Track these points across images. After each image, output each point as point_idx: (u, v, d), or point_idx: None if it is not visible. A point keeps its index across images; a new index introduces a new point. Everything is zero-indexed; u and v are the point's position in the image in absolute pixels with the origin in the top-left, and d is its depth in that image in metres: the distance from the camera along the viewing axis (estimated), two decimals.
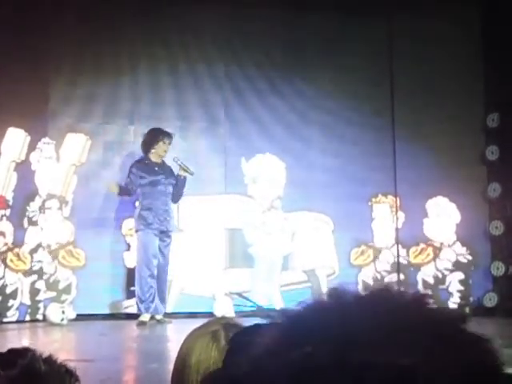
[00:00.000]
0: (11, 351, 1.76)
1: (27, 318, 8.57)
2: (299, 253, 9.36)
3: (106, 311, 8.79)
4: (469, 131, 9.35)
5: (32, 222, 8.67)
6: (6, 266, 8.50)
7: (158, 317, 8.32)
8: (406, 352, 0.66)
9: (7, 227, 8.52)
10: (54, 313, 8.42)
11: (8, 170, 8.54)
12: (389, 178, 9.35)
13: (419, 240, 9.46)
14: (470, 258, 9.44)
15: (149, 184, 8.36)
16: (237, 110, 9.34)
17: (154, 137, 8.45)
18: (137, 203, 8.47)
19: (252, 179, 9.35)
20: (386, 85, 9.37)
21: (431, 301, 0.73)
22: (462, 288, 9.35)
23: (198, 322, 2.14)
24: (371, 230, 9.45)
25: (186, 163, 8.53)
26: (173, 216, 8.55)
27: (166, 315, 8.46)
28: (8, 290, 8.51)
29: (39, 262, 8.69)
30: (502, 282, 9.19)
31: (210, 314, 7.93)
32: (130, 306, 8.69)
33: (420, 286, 9.22)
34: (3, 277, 8.49)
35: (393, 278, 9.30)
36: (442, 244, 9.49)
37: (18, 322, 8.44)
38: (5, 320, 8.39)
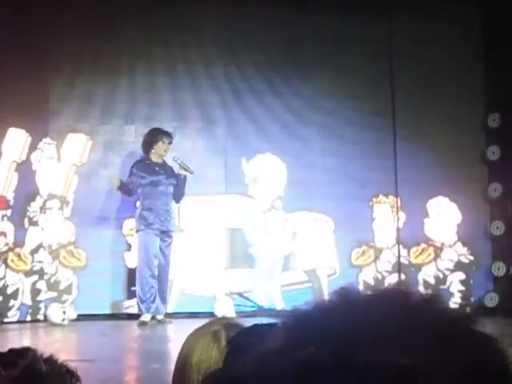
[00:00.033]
0: (12, 351, 1.76)
1: (28, 318, 8.57)
2: (300, 253, 9.36)
3: (107, 311, 8.79)
4: (469, 131, 9.35)
5: (33, 222, 8.67)
6: (6, 266, 8.51)
7: (159, 317, 8.32)
8: (406, 352, 0.66)
9: (8, 227, 8.52)
10: (54, 313, 8.42)
11: (9, 170, 8.54)
12: (389, 178, 9.35)
13: (420, 240, 9.46)
14: (470, 258, 9.43)
15: (149, 184, 8.36)
16: (236, 110, 9.34)
17: (154, 137, 8.45)
18: (137, 203, 8.47)
19: (253, 179, 9.35)
20: (386, 85, 9.37)
21: (442, 301, 0.74)
22: (462, 288, 9.34)
23: (198, 322, 2.14)
24: (372, 230, 9.45)
25: (186, 163, 8.53)
26: (173, 216, 8.55)
27: (167, 315, 8.46)
28: (9, 291, 8.51)
29: (40, 262, 8.70)
30: (502, 282, 9.19)
31: (211, 314, 7.93)
32: (131, 306, 8.70)
33: (421, 287, 9.22)
34: (4, 277, 8.49)
35: (394, 278, 9.30)
36: (442, 244, 9.49)
37: (18, 322, 8.45)
38: (6, 320, 8.40)
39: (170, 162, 8.56)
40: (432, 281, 9.39)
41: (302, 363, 0.68)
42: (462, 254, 9.45)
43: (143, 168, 8.41)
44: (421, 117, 9.30)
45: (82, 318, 8.50)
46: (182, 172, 8.50)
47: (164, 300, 8.42)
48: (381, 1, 9.34)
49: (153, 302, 8.25)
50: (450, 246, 9.48)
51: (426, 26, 9.30)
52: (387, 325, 0.68)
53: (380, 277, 9.37)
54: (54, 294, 8.71)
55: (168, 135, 8.45)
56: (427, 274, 9.41)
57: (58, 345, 6.95)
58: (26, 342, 6.85)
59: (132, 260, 8.70)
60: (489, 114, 9.31)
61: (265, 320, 1.60)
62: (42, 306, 8.64)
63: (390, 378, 0.66)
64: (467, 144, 9.30)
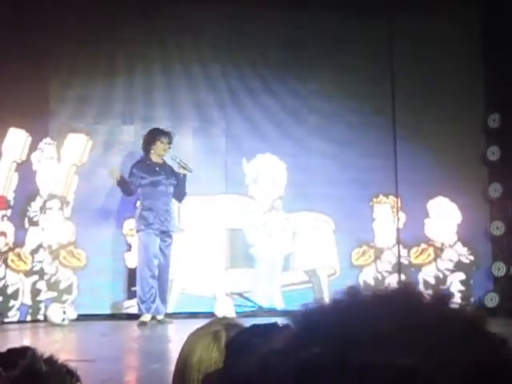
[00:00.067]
0: (11, 351, 1.76)
1: (28, 318, 8.57)
2: (300, 253, 9.36)
3: (107, 311, 8.80)
4: (469, 131, 9.35)
5: (33, 223, 8.67)
6: (7, 266, 8.51)
7: (159, 317, 8.32)
8: (406, 352, 0.67)
9: (8, 227, 8.52)
10: (55, 313, 8.42)
11: (9, 170, 8.54)
12: (390, 179, 9.35)
13: (420, 240, 9.46)
14: (471, 258, 9.43)
15: (149, 184, 8.36)
16: (236, 110, 9.34)
17: (152, 137, 8.45)
18: (138, 203, 8.47)
19: (253, 180, 9.35)
20: (386, 85, 9.37)
21: (449, 301, 0.74)
22: (463, 288, 9.34)
23: (198, 323, 2.14)
24: (372, 230, 9.45)
25: (186, 163, 8.53)
26: (173, 216, 8.55)
27: (167, 315, 8.46)
28: (9, 291, 8.51)
29: (40, 262, 8.70)
30: (503, 282, 9.19)
31: (211, 315, 7.93)
32: (131, 307, 8.70)
33: (421, 287, 9.22)
34: (4, 277, 8.49)
35: (394, 278, 9.30)
36: (442, 244, 9.49)
37: (19, 322, 8.45)
38: (6, 320, 8.40)
39: (169, 161, 8.56)
40: (432, 281, 9.39)
41: (305, 363, 0.68)
42: (462, 254, 9.45)
43: (143, 168, 8.40)
44: (421, 117, 9.30)
45: (82, 318, 8.50)
46: (182, 171, 8.50)
47: (164, 300, 8.42)
48: (381, 1, 9.34)
49: (153, 302, 8.24)
50: (450, 246, 9.48)
51: (426, 26, 9.30)
52: (388, 325, 0.68)
53: (380, 277, 9.37)
54: (54, 294, 8.71)
55: (166, 135, 8.45)
56: (427, 274, 9.41)
57: (58, 345, 6.95)
58: (26, 342, 6.84)
59: (132, 260, 8.70)
60: (489, 115, 9.31)
61: (265, 320, 1.60)
62: (42, 306, 8.65)
63: (389, 378, 0.66)
64: (467, 144, 9.30)
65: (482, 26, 9.40)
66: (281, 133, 9.39)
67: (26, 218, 8.63)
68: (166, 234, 8.37)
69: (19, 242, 8.58)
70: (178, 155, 8.60)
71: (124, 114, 9.09)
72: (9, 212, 8.53)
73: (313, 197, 9.30)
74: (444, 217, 9.45)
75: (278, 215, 9.35)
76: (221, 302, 8.84)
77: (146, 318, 8.22)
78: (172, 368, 2.06)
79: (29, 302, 8.60)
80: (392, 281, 9.13)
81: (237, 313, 8.54)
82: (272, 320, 1.62)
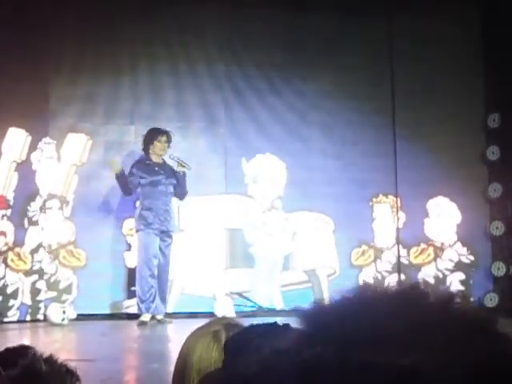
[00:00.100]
0: (9, 350, 1.76)
1: (28, 317, 8.57)
2: (300, 253, 9.36)
3: (107, 311, 8.79)
4: (469, 131, 9.35)
5: (33, 222, 8.67)
6: (6, 265, 8.51)
7: (159, 317, 8.32)
8: (407, 352, 0.67)
9: (8, 227, 8.52)
10: (54, 313, 8.42)
11: (9, 169, 8.54)
12: (389, 178, 9.35)
13: (420, 240, 9.46)
14: (470, 258, 9.44)
15: (149, 184, 8.36)
16: (237, 110, 9.34)
17: (150, 137, 8.46)
18: (137, 203, 8.47)
19: (252, 179, 9.35)
20: (386, 85, 9.38)
21: (458, 300, 0.73)
22: (462, 288, 9.34)
23: (198, 322, 2.14)
24: (372, 230, 9.45)
25: (183, 160, 8.53)
26: (173, 216, 8.55)
27: (167, 315, 8.46)
28: (9, 290, 8.51)
29: (40, 261, 8.70)
30: (502, 282, 9.19)
31: (211, 314, 7.93)
32: (131, 306, 8.69)
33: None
34: (4, 277, 8.49)
35: (393, 278, 9.30)
36: (442, 244, 9.49)
37: (18, 321, 8.45)
38: (5, 320, 8.40)
39: (168, 160, 8.56)
40: (432, 281, 9.39)
41: (305, 364, 0.68)
42: (462, 254, 9.45)
43: (143, 168, 8.40)
44: (421, 116, 9.30)
45: (81, 317, 8.50)
46: (180, 169, 8.49)
47: (164, 300, 8.42)
48: (381, 1, 9.34)
49: (152, 301, 8.24)
50: (450, 246, 9.48)
51: (426, 26, 9.30)
52: (389, 325, 0.68)
53: (380, 277, 9.37)
54: (53, 294, 8.71)
55: (164, 134, 8.44)
56: (427, 274, 9.40)
57: (57, 344, 6.95)
58: (25, 342, 6.82)
59: (132, 260, 8.70)
60: (489, 114, 9.31)
61: (264, 320, 1.60)
62: (41, 305, 8.64)
63: (389, 378, 0.66)
64: (467, 144, 9.30)
65: (482, 26, 9.40)
66: (281, 133, 9.38)
67: (26, 218, 8.63)
68: (165, 234, 8.37)
69: (19, 242, 8.57)
70: (181, 155, 8.59)
71: (128, 113, 9.09)
72: (8, 212, 8.53)
73: (312, 196, 9.30)
74: (444, 217, 9.45)
75: (278, 215, 9.35)
76: (220, 301, 8.84)
77: (146, 317, 8.22)
78: (172, 368, 2.06)
79: (28, 301, 8.60)
80: (392, 280, 9.13)
81: (236, 313, 8.54)
82: (272, 320, 1.62)
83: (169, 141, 8.47)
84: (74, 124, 8.92)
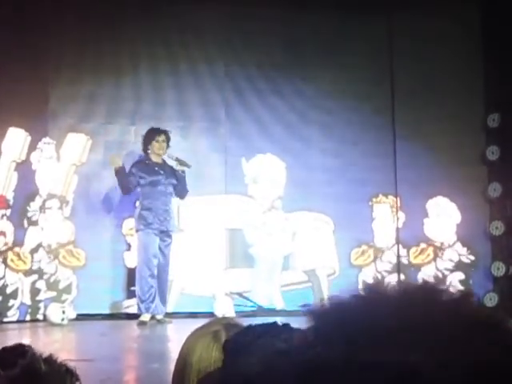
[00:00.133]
0: (5, 349, 1.76)
1: (27, 317, 8.57)
2: (300, 253, 9.36)
3: (107, 311, 8.79)
4: (469, 130, 9.34)
5: (32, 222, 8.67)
6: (6, 265, 8.51)
7: (159, 317, 8.32)
8: (407, 352, 0.66)
9: (8, 227, 8.52)
10: (54, 313, 8.42)
11: (8, 169, 8.54)
12: (389, 178, 9.35)
13: (420, 240, 9.46)
14: (470, 258, 9.43)
15: (149, 184, 8.36)
16: (237, 110, 9.34)
17: (148, 137, 8.47)
18: (137, 203, 8.47)
19: (252, 179, 9.35)
20: (386, 84, 9.38)
21: (470, 300, 0.73)
22: (462, 288, 9.33)
23: (198, 322, 2.14)
24: (372, 230, 9.45)
25: (186, 161, 8.53)
26: (173, 216, 8.55)
27: (167, 315, 8.46)
28: (8, 290, 8.51)
29: (39, 261, 8.70)
30: (502, 282, 9.19)
31: (211, 314, 7.94)
32: (131, 306, 8.70)
33: None
34: (4, 277, 8.49)
35: (393, 278, 9.30)
36: (442, 244, 9.49)
37: (18, 321, 8.45)
38: (5, 320, 8.40)
39: (169, 161, 8.56)
40: (431, 281, 9.38)
41: (306, 364, 0.68)
42: (462, 254, 9.45)
43: (143, 168, 8.41)
44: (421, 116, 9.30)
45: (81, 317, 8.50)
46: (179, 167, 8.49)
47: (164, 300, 8.42)
48: (381, 0, 9.34)
49: (152, 301, 8.24)
50: (450, 246, 9.48)
51: (426, 25, 9.30)
52: (389, 324, 0.68)
53: (380, 277, 9.37)
54: (53, 294, 8.71)
55: (162, 133, 8.44)
56: (427, 274, 9.40)
57: (57, 344, 6.95)
58: (25, 342, 6.83)
59: (131, 260, 8.70)
60: (489, 114, 9.30)
61: (264, 320, 1.60)
62: (41, 305, 8.64)
63: (389, 378, 0.66)
64: (467, 144, 9.30)
65: (482, 25, 9.40)
66: (281, 132, 9.38)
67: (26, 218, 8.63)
68: (165, 234, 8.37)
69: (18, 242, 8.57)
70: (181, 155, 8.59)
71: (129, 113, 9.08)
72: (8, 211, 8.53)
73: (312, 196, 9.30)
74: (443, 216, 9.45)
75: (278, 215, 9.35)
76: (220, 301, 8.84)
77: (146, 317, 8.22)
78: (171, 368, 2.06)
79: (28, 301, 8.60)
80: (392, 280, 9.12)
81: (236, 312, 8.54)
82: (272, 320, 1.62)
83: (167, 140, 8.47)
84: (74, 124, 8.93)
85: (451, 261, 9.46)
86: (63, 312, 8.43)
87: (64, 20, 8.79)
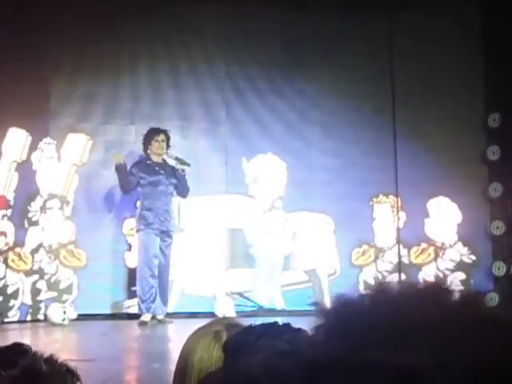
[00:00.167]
0: (4, 349, 1.76)
1: (28, 317, 8.57)
2: (300, 253, 9.36)
3: (108, 311, 8.79)
4: (469, 130, 9.34)
5: (33, 222, 8.67)
6: (7, 265, 8.51)
7: (159, 317, 8.32)
8: (407, 352, 0.67)
9: (8, 227, 8.52)
10: (55, 313, 8.42)
11: (9, 170, 8.54)
12: (390, 178, 9.35)
13: (420, 240, 9.46)
14: (471, 257, 9.43)
15: (149, 184, 8.36)
16: (237, 110, 9.34)
17: (148, 137, 8.48)
18: (138, 203, 8.47)
19: (253, 179, 9.35)
20: (386, 84, 9.38)
21: (481, 302, 0.73)
22: (463, 288, 9.32)
23: (199, 322, 2.14)
24: (372, 229, 9.45)
25: (186, 160, 8.53)
26: (173, 216, 8.56)
27: (167, 315, 8.46)
28: (9, 290, 8.51)
29: (40, 261, 8.70)
30: (503, 281, 9.19)
31: (211, 314, 7.94)
32: (131, 306, 8.70)
33: None
34: (4, 277, 8.49)
35: (394, 278, 9.30)
36: (443, 244, 9.49)
37: (19, 321, 8.45)
38: (6, 320, 8.40)
39: (170, 161, 8.56)
40: (432, 281, 9.38)
41: (306, 364, 0.68)
42: (463, 253, 9.45)
43: (143, 168, 8.41)
44: (421, 116, 9.30)
45: (82, 317, 8.50)
46: (179, 166, 8.49)
47: (164, 300, 8.42)
48: (381, 0, 9.34)
49: (153, 301, 8.25)
50: (451, 246, 9.48)
51: (426, 25, 9.30)
52: (389, 325, 0.68)
53: (380, 277, 9.37)
54: (54, 294, 8.71)
55: (161, 133, 8.44)
56: (427, 274, 9.40)
57: (58, 344, 6.95)
58: (26, 342, 6.83)
59: (132, 260, 8.70)
60: (489, 114, 9.30)
61: (265, 320, 1.60)
62: (42, 305, 8.64)
63: (389, 378, 0.66)
64: (467, 143, 9.30)
65: (482, 25, 9.40)
66: (281, 132, 9.38)
67: (26, 218, 8.63)
68: (165, 234, 8.37)
69: (19, 242, 8.58)
70: (181, 155, 8.59)
71: (129, 113, 9.08)
72: (9, 212, 8.53)
73: (313, 196, 9.30)
74: (444, 216, 9.44)
75: (278, 215, 9.35)
76: (221, 301, 8.84)
77: (147, 317, 8.22)
78: (172, 368, 2.06)
79: (29, 301, 8.60)
80: (392, 280, 9.13)
81: (237, 312, 8.54)
82: (272, 320, 1.62)
83: (167, 140, 8.48)
84: (74, 124, 8.93)
85: (452, 261, 9.45)
86: (64, 312, 8.43)
87: (64, 20, 8.79)
